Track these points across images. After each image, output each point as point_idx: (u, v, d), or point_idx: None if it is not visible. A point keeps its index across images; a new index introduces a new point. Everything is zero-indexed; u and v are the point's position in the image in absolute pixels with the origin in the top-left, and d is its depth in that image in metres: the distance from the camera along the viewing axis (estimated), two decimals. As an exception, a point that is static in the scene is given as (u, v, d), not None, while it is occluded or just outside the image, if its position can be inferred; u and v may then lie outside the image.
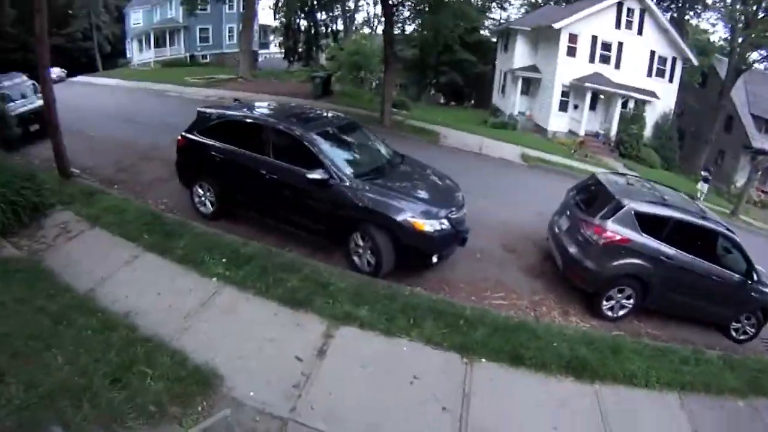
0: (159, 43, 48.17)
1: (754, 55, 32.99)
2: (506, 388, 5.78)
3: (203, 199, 9.02)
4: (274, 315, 6.25)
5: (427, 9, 22.16)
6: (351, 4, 50.74)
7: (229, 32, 48.64)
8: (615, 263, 8.07)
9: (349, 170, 7.77)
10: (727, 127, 36.32)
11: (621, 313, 8.43)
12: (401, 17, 25.86)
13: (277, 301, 6.44)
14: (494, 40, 43.49)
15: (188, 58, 48.08)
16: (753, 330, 9.30)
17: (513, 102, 32.70)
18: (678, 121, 32.98)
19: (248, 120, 8.74)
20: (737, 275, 8.68)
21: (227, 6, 46.55)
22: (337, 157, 7.94)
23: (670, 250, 8.16)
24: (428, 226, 7.34)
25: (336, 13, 51.93)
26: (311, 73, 33.79)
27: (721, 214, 20.37)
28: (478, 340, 6.25)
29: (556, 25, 27.73)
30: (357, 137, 9.28)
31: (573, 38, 28.25)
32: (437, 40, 33.76)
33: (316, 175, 7.48)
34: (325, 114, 9.81)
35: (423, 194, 8.07)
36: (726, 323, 9.24)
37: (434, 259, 7.71)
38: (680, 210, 8.58)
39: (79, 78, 33.07)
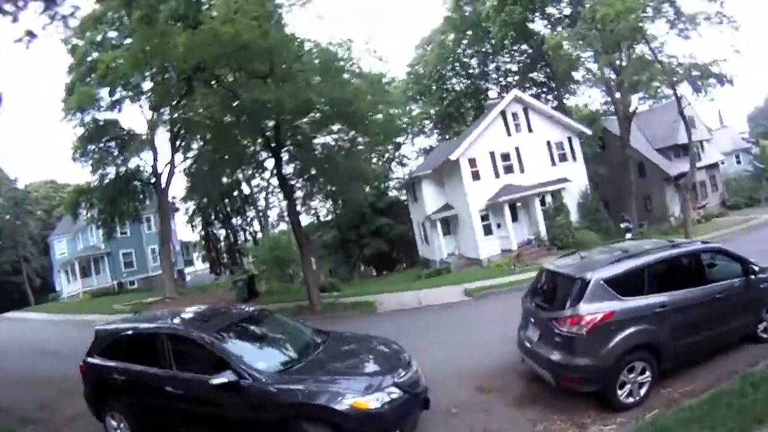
0: (85, 273, 48.13)
1: (635, 100, 34.66)
2: None
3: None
4: None
5: (320, 175, 22.42)
6: (262, 203, 51.61)
7: (152, 254, 48.46)
8: (611, 345, 6.92)
9: (263, 365, 6.75)
10: (642, 173, 37.71)
11: (643, 391, 7.17)
12: (304, 193, 26.10)
13: None
14: (404, 198, 44.61)
15: (116, 286, 47.84)
16: None
17: (439, 246, 32.66)
18: (598, 191, 33.78)
19: (142, 331, 7.94)
20: (737, 279, 8.03)
21: (146, 227, 46.79)
22: (246, 353, 6.97)
23: (661, 298, 7.30)
24: (374, 402, 6.14)
25: (250, 216, 52.71)
26: (234, 279, 33.66)
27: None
28: None
29: (453, 156, 28.48)
30: (269, 326, 8.33)
31: (473, 162, 29.00)
32: (345, 207, 34.00)
33: (221, 378, 6.38)
34: (228, 309, 9.13)
35: (359, 367, 7.14)
36: (752, 331, 8.34)
37: None
38: (648, 253, 7.91)
39: (8, 314, 33.34)
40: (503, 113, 29.91)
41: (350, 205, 34.26)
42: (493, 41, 40.88)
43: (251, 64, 17.23)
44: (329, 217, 47.88)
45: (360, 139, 22.08)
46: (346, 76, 18.96)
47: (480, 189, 28.84)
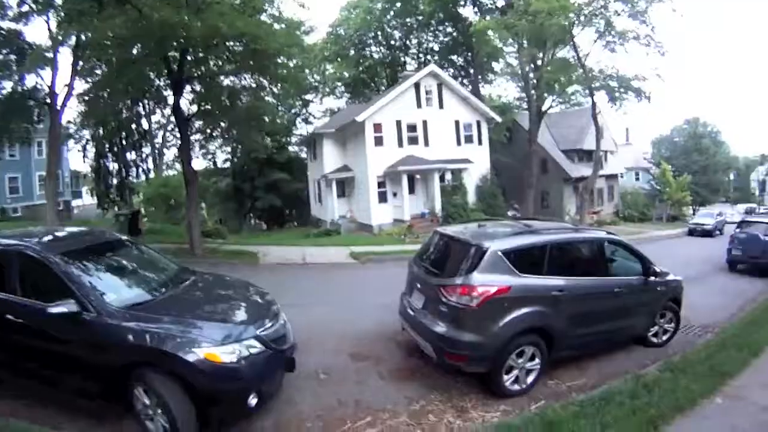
0: (-35, 196, 44.20)
1: (549, 100, 35.52)
2: None
3: None
4: None
5: (220, 115, 21.73)
6: (159, 140, 49.25)
7: (40, 181, 44.88)
8: (502, 323, 6.34)
9: (113, 297, 5.63)
10: (544, 169, 38.81)
11: (530, 380, 6.73)
12: (204, 136, 25.26)
13: None
14: (304, 156, 43.37)
15: (-2, 212, 44.37)
16: (672, 325, 8.78)
17: (332, 207, 32.09)
18: (498, 179, 34.42)
19: None
20: (636, 277, 7.95)
21: (36, 151, 43.68)
22: (95, 281, 5.80)
23: (560, 281, 6.85)
24: (227, 355, 5.14)
25: (146, 152, 50.22)
26: (116, 213, 32.17)
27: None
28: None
29: (360, 118, 28.02)
30: (129, 256, 7.15)
31: (378, 127, 28.61)
32: (242, 155, 32.80)
33: (61, 308, 5.25)
34: (90, 232, 7.88)
35: (222, 313, 6.07)
36: (644, 333, 8.43)
37: (252, 402, 5.30)
38: (551, 232, 7.50)
39: None
40: (417, 85, 29.78)
41: (247, 150, 33.04)
42: (420, 17, 40.74)
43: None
44: (227, 165, 46.30)
45: (267, 85, 21.47)
46: (264, 18, 18.59)
47: (381, 155, 28.50)
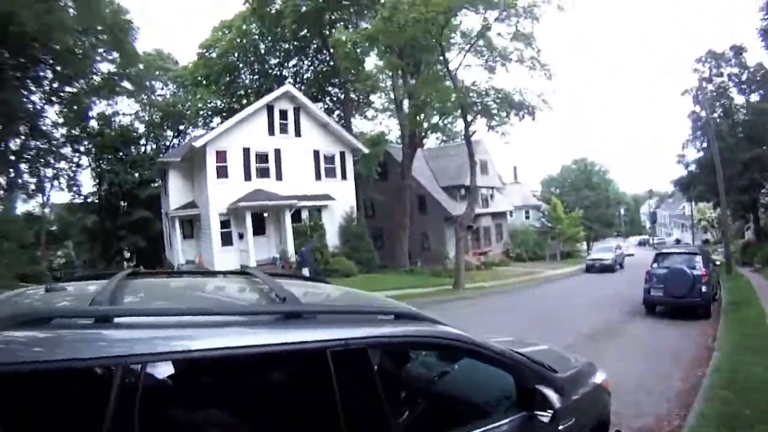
0: None
1: (423, 127, 32.56)
2: None
3: None
4: None
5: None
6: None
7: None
8: None
9: None
10: (423, 208, 35.75)
11: None
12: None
13: None
14: None
15: None
16: None
17: (177, 250, 27.05)
18: (371, 220, 31.30)
19: None
20: (505, 422, 2.89)
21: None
22: None
23: None
24: None
25: None
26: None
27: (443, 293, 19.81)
28: None
29: (198, 143, 23.86)
30: None
31: (221, 156, 24.24)
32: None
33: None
34: None
35: None
36: None
37: None
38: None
39: None
40: (270, 108, 25.85)
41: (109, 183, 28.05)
42: (296, 42, 36.40)
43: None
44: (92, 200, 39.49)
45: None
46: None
47: (225, 189, 24.03)
